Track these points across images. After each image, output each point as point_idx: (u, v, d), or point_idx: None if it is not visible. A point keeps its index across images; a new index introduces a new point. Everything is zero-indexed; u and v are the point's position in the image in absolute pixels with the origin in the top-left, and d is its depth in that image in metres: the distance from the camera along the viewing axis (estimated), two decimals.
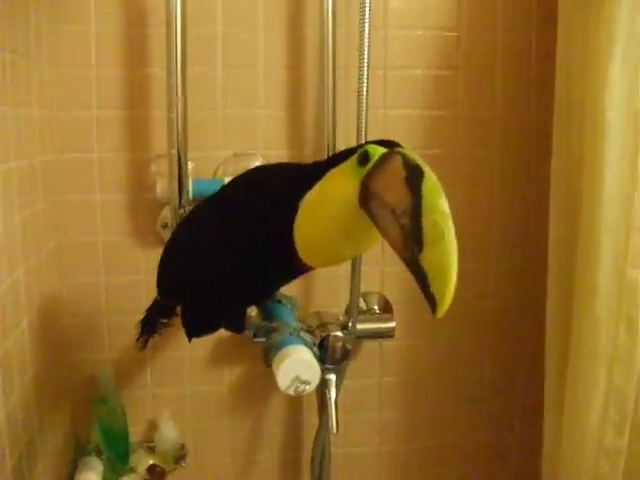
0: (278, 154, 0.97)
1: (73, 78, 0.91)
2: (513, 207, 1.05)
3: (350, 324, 0.96)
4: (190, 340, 0.70)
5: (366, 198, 0.53)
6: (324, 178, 0.58)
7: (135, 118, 0.93)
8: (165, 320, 0.79)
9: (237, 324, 0.71)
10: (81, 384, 0.96)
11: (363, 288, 0.97)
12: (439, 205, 0.49)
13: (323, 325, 0.96)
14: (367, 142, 0.57)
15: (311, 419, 1.05)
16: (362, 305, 1.02)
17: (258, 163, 0.94)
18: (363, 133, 0.90)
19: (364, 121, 0.90)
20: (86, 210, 0.94)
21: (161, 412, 0.99)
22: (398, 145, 0.56)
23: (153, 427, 1.00)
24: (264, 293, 0.73)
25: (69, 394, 0.96)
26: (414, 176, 0.50)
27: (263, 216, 0.60)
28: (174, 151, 0.83)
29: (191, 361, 1.01)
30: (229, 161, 0.95)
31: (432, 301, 0.49)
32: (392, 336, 1.02)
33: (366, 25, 0.86)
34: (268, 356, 0.68)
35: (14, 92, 0.73)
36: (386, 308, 1.03)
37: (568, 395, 0.87)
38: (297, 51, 0.96)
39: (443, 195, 0.50)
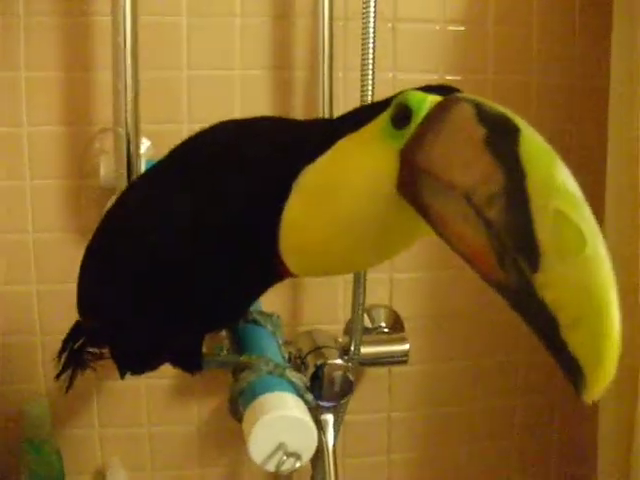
0: None
1: None
2: None
3: (352, 347, 0.84)
4: (123, 377, 0.56)
5: (411, 179, 0.35)
6: (335, 148, 0.40)
7: (75, 81, 0.82)
8: (95, 350, 0.63)
9: (188, 359, 0.52)
10: (7, 422, 0.86)
11: (368, 301, 0.86)
12: (560, 181, 0.29)
13: (317, 350, 0.83)
14: (406, 90, 0.38)
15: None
16: (367, 322, 0.91)
17: None
18: (368, 101, 0.78)
19: (369, 86, 0.78)
20: (12, 199, 0.84)
21: (110, 458, 0.90)
22: (457, 90, 0.38)
23: (100, 477, 0.90)
24: (222, 315, 0.52)
25: None
26: (502, 134, 0.31)
27: (233, 199, 0.44)
28: (121, 127, 0.72)
29: (149, 392, 0.89)
30: None
31: (573, 370, 0.28)
32: (405, 362, 0.89)
33: None
34: (237, 407, 0.48)
35: None
36: (396, 326, 0.92)
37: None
38: None
39: (562, 164, 0.30)
